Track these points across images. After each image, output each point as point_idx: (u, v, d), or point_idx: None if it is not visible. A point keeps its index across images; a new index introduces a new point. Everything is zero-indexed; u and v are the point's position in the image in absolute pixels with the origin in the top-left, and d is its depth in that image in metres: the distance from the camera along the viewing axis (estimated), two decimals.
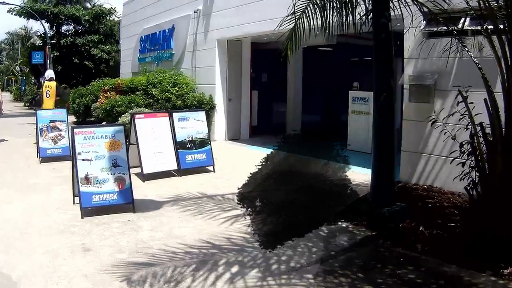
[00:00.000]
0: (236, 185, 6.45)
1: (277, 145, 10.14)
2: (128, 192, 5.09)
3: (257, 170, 7.48)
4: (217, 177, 7.25)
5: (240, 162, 8.70)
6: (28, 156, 8.93)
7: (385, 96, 4.73)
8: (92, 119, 15.27)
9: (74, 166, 5.16)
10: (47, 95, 11.14)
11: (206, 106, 11.31)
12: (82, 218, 4.88)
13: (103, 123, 12.84)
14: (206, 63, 11.82)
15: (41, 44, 24.27)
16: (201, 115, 7.82)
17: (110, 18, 26.91)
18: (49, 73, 11.91)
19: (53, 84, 11.55)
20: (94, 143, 5.09)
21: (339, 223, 4.82)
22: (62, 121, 8.70)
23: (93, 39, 24.01)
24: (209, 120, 11.38)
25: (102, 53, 24.18)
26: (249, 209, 5.35)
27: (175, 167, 7.20)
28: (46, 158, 8.44)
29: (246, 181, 6.68)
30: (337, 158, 8.55)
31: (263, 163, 8.24)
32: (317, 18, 5.23)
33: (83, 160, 5.01)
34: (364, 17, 5.17)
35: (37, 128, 8.66)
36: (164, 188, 6.43)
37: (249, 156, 9.40)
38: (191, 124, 7.57)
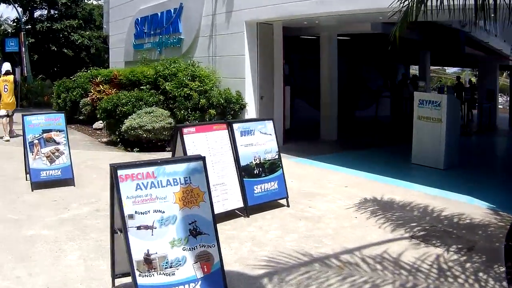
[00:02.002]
0: (342, 234, 4.43)
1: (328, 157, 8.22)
2: (218, 278, 2.93)
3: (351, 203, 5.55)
4: (299, 217, 5.12)
5: (306, 185, 6.61)
6: (13, 179, 6.57)
7: None
8: (81, 117, 12.80)
9: None
10: (5, 90, 10.37)
11: (235, 106, 9.13)
12: None
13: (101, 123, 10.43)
14: (232, 51, 9.56)
15: (14, 31, 21.25)
16: (269, 126, 5.60)
17: (89, 2, 24.07)
18: (6, 66, 11.02)
19: (11, 78, 10.57)
20: (156, 195, 2.88)
21: None
22: (60, 131, 6.35)
23: (71, 24, 21.22)
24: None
25: (83, 38, 21.39)
26: None
27: (241, 205, 5.05)
28: (40, 184, 6.11)
29: (352, 223, 4.70)
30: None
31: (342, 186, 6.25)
32: None
33: (138, 228, 2.79)
34: None
35: (24, 142, 6.29)
36: (241, 243, 4.26)
37: (307, 174, 7.36)
38: (257, 140, 5.38)
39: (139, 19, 12.78)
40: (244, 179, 5.16)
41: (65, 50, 21.30)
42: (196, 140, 4.82)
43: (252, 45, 9.40)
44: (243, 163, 5.20)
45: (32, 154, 6.13)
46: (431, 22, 11.16)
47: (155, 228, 2.84)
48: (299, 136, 10.83)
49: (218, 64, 9.94)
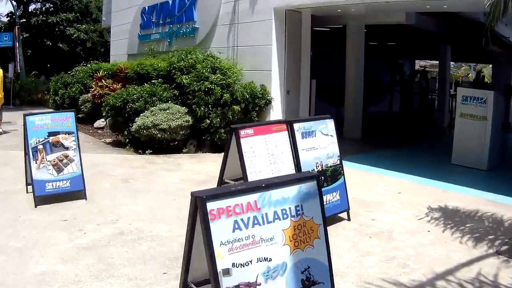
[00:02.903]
0: (424, 253, 3.81)
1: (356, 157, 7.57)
2: None
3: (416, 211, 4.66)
4: (366, 233, 4.26)
5: (354, 191, 5.61)
6: (10, 193, 5.44)
7: None
8: (80, 115, 11.62)
9: None
10: None
11: (261, 101, 8.05)
12: None
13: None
14: (256, 41, 8.47)
15: (8, 25, 19.91)
16: (330, 126, 4.55)
17: None
18: None
19: (0, 73, 10.00)
20: (261, 235, 1.81)
21: None
22: (69, 133, 5.21)
23: (67, 17, 19.91)
24: (260, 119, 8.20)
25: (79, 32, 20.13)
26: None
27: None
28: (45, 198, 4.99)
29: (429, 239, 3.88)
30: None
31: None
32: None
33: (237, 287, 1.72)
34: None
35: (26, 147, 5.15)
36: None
37: (349, 177, 6.40)
38: (319, 142, 4.35)
39: (147, 8, 11.63)
40: None
41: (60, 45, 20.02)
42: (254, 145, 3.77)
43: (280, 34, 8.34)
44: (304, 170, 4.16)
45: (36, 162, 4.99)
46: (455, 14, 10.27)
47: (259, 285, 1.77)
48: None
49: (239, 55, 8.85)
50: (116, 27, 13.86)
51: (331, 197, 4.43)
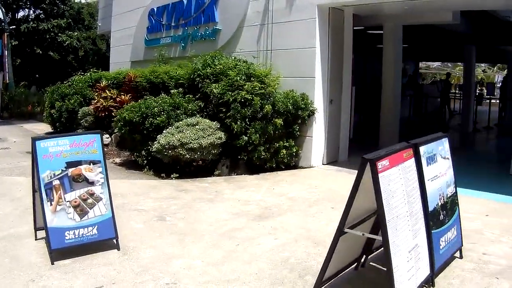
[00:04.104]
0: None
1: None
2: None
3: None
4: (489, 273, 3.41)
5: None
6: (14, 239, 4.09)
7: None
8: (79, 130, 10.25)
9: None
10: None
11: (304, 113, 6.87)
12: None
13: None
14: (296, 44, 7.32)
15: None
16: (446, 145, 3.46)
17: (76, 0, 21.45)
18: None
19: None
20: None
21: None
22: (95, 162, 3.91)
23: (59, 23, 18.50)
24: (302, 134, 7.00)
25: (71, 39, 18.71)
26: None
27: (427, 272, 2.92)
28: (65, 252, 3.66)
29: None
30: None
31: None
32: None
33: None
34: None
35: (37, 183, 3.80)
36: None
37: None
38: (440, 168, 3.30)
39: (155, 9, 10.39)
40: (432, 231, 3.02)
41: (51, 53, 18.60)
42: (391, 180, 2.55)
43: (323, 35, 7.19)
44: (430, 206, 3.06)
45: (51, 204, 3.67)
46: (484, 13, 9.33)
47: None
48: (356, 145, 8.61)
49: (274, 60, 7.65)
50: (117, 32, 12.58)
51: (450, 235, 3.38)
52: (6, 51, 15.71)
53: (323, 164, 7.47)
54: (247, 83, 6.78)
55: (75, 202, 3.77)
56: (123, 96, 8.78)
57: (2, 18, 17.46)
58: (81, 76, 11.42)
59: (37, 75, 19.96)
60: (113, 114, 9.51)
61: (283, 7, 7.47)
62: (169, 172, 6.66)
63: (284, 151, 6.86)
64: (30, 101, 15.47)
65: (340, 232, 2.68)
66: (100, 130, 3.98)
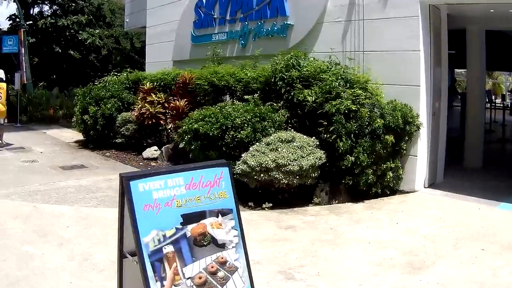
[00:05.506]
0: None
1: None
2: None
3: None
4: None
5: None
6: None
7: None
8: (118, 140, 8.95)
9: None
10: None
11: (412, 128, 5.51)
12: None
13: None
14: (394, 45, 6.04)
15: (10, 28, 17.12)
16: None
17: None
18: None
19: (4, 85, 9.56)
20: None
21: None
22: (226, 212, 2.56)
23: (80, 19, 17.18)
24: (401, 151, 5.64)
25: (93, 37, 17.40)
26: None
27: None
28: None
29: None
30: None
31: None
32: None
33: None
34: None
35: (139, 251, 2.41)
36: None
37: None
38: None
39: (204, 0, 9.05)
40: None
41: (71, 52, 17.28)
42: None
43: (425, 37, 5.91)
44: None
45: (162, 285, 2.32)
46: None
47: None
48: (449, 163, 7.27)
49: (366, 64, 6.31)
50: (152, 28, 11.26)
51: None
52: (23, 49, 14.39)
53: (424, 187, 6.17)
54: (347, 89, 5.42)
55: (200, 278, 2.42)
56: (177, 102, 7.44)
57: (18, 13, 16.23)
58: (115, 77, 10.12)
59: (54, 76, 18.71)
60: (161, 122, 8.22)
61: (374, 1, 6.15)
62: (257, 199, 5.31)
63: (390, 173, 5.53)
64: (52, 103, 14.17)
65: None
66: (224, 160, 2.56)
